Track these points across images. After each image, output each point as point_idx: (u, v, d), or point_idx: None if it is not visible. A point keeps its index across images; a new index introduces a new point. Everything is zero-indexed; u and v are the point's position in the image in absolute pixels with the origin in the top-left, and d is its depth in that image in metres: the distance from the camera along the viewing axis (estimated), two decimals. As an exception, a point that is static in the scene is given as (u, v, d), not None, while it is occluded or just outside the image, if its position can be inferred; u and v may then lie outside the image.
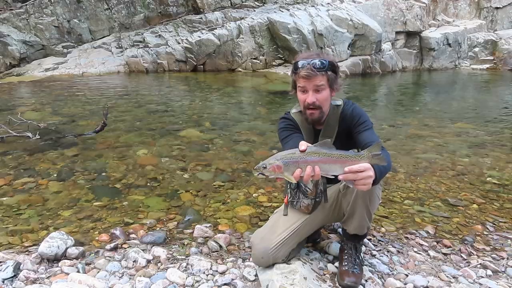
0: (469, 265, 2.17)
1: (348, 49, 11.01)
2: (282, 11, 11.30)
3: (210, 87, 8.50)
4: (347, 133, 1.94)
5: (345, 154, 1.52)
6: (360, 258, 1.99)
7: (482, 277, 2.05)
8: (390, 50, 11.91)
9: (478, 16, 13.81)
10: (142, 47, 10.64)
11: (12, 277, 1.89)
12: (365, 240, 2.33)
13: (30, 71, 9.64)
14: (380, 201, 1.97)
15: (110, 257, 2.11)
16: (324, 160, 1.50)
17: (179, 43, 10.58)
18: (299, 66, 1.85)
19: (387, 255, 2.22)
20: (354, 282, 1.87)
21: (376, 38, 11.14)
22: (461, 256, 2.27)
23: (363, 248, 2.24)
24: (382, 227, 2.57)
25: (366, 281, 1.94)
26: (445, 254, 2.29)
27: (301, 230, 1.99)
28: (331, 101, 1.95)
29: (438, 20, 13.39)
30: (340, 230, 2.32)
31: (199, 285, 1.86)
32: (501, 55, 12.76)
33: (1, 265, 1.95)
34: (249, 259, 2.11)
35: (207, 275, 1.95)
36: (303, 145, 1.53)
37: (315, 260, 2.09)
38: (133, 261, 2.05)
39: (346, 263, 1.94)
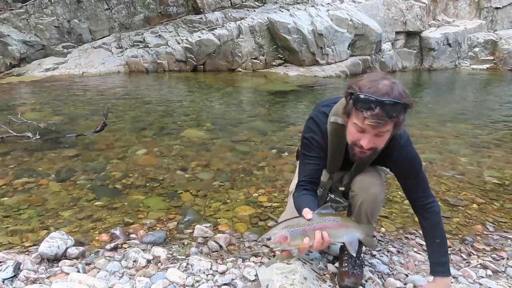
0: (469, 265, 2.17)
1: (348, 49, 11.01)
2: (282, 11, 11.29)
3: (210, 87, 8.50)
4: (384, 164, 1.83)
5: (347, 219, 1.60)
6: (361, 259, 1.99)
7: (482, 277, 2.05)
8: (390, 50, 11.91)
9: (478, 16, 13.81)
10: (142, 47, 10.63)
11: (12, 277, 1.89)
12: (365, 240, 2.34)
13: (30, 71, 9.64)
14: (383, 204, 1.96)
15: (110, 257, 2.11)
16: (331, 225, 1.46)
17: (179, 43, 10.58)
18: (365, 107, 1.42)
19: (387, 255, 2.22)
20: (354, 283, 1.86)
21: (376, 38, 11.14)
22: (461, 256, 2.27)
23: (363, 248, 2.24)
24: (382, 227, 2.58)
25: (366, 281, 1.94)
26: (445, 254, 2.28)
27: None
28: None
29: (438, 20, 13.38)
30: None
31: (199, 285, 1.86)
32: (501, 55, 12.76)
33: (1, 265, 1.95)
34: (249, 259, 2.11)
35: (207, 275, 1.95)
36: (308, 213, 1.46)
37: (315, 260, 2.09)
38: (133, 261, 2.05)
39: (346, 264, 1.93)
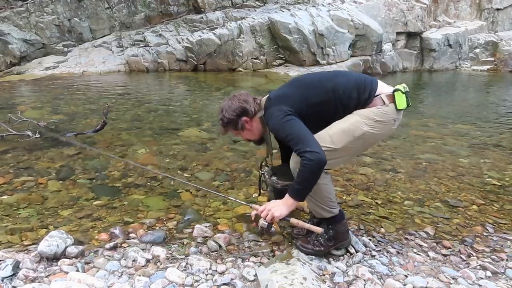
0: (468, 266, 2.17)
1: (348, 49, 11.01)
2: (283, 11, 11.29)
3: (210, 86, 8.50)
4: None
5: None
6: (324, 236, 2.13)
7: (482, 278, 2.05)
8: (390, 51, 11.92)
9: (479, 17, 13.81)
10: (142, 46, 10.64)
11: (11, 275, 1.88)
12: (366, 240, 2.34)
13: (31, 69, 9.64)
14: (329, 186, 2.07)
15: (109, 256, 2.11)
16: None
17: (179, 43, 10.58)
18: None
19: (386, 256, 2.22)
20: (302, 246, 2.15)
21: (377, 39, 11.14)
22: (461, 257, 2.27)
23: (363, 248, 2.24)
24: (382, 227, 2.57)
25: (365, 281, 1.94)
26: (444, 255, 2.29)
27: None
28: (258, 113, 2.19)
29: (439, 21, 13.39)
30: None
31: (198, 284, 1.86)
32: (502, 57, 12.77)
33: (0, 264, 1.94)
34: (248, 259, 2.11)
35: (206, 274, 1.95)
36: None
37: (315, 260, 2.09)
38: (133, 260, 2.04)
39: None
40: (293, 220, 2.06)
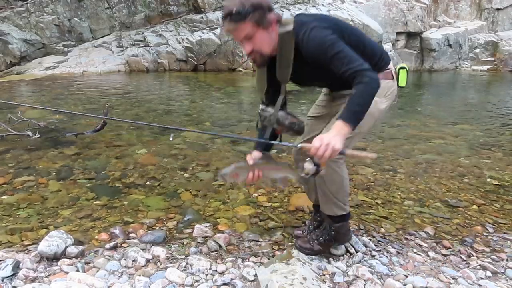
0: (468, 266, 2.17)
1: (348, 49, 11.02)
2: (283, 11, 11.30)
3: (210, 86, 8.50)
4: (314, 62, 1.74)
5: (282, 164, 2.12)
6: (324, 236, 2.11)
7: (482, 278, 2.05)
8: (390, 51, 11.92)
9: (479, 17, 13.81)
10: (142, 46, 10.64)
11: (11, 275, 1.89)
12: (366, 239, 2.34)
13: (31, 69, 9.64)
14: (345, 178, 1.95)
15: (109, 256, 2.11)
16: (267, 167, 1.93)
17: (179, 43, 10.58)
18: (221, 21, 1.78)
19: (386, 256, 2.22)
20: (301, 246, 2.13)
21: (377, 39, 11.14)
22: (461, 257, 2.27)
23: (363, 248, 2.24)
24: (382, 227, 2.57)
25: (365, 281, 1.94)
26: (444, 255, 2.29)
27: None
28: (280, 28, 1.75)
29: (439, 21, 13.39)
30: None
31: (198, 284, 1.86)
32: (502, 56, 12.77)
33: (0, 264, 1.94)
34: (248, 259, 2.11)
35: (206, 274, 1.95)
36: (250, 159, 1.89)
37: (315, 260, 2.09)
38: (133, 260, 2.04)
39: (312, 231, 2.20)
40: (348, 152, 1.66)
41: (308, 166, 1.67)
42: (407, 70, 2.05)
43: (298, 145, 1.82)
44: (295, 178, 2.05)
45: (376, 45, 2.02)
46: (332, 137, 1.58)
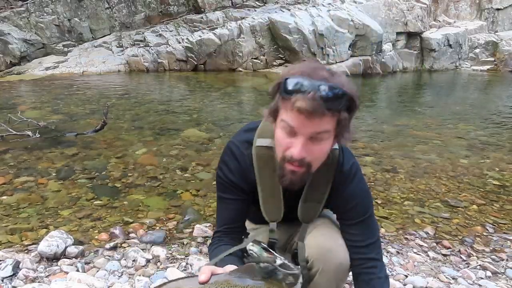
0: (468, 266, 2.17)
1: (348, 49, 11.00)
2: (283, 11, 11.29)
3: (210, 86, 8.49)
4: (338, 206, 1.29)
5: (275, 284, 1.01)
6: None
7: (482, 278, 2.05)
8: (391, 51, 11.91)
9: (479, 17, 13.80)
10: (142, 46, 10.63)
11: (11, 275, 1.89)
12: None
13: (31, 69, 9.63)
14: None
15: (109, 256, 2.11)
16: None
17: (179, 43, 10.57)
18: (295, 89, 0.99)
19: (386, 256, 2.22)
20: None
21: (377, 39, 11.13)
22: (461, 257, 2.27)
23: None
24: (382, 227, 2.57)
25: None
26: (444, 255, 2.29)
27: None
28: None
29: (439, 21, 13.38)
30: None
31: (199, 284, 1.86)
32: (502, 57, 12.76)
33: (0, 264, 1.94)
34: (248, 259, 2.11)
35: (206, 274, 1.95)
36: (203, 273, 0.91)
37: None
38: (133, 260, 2.04)
39: None
40: None
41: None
42: None
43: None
44: None
45: None
46: None
